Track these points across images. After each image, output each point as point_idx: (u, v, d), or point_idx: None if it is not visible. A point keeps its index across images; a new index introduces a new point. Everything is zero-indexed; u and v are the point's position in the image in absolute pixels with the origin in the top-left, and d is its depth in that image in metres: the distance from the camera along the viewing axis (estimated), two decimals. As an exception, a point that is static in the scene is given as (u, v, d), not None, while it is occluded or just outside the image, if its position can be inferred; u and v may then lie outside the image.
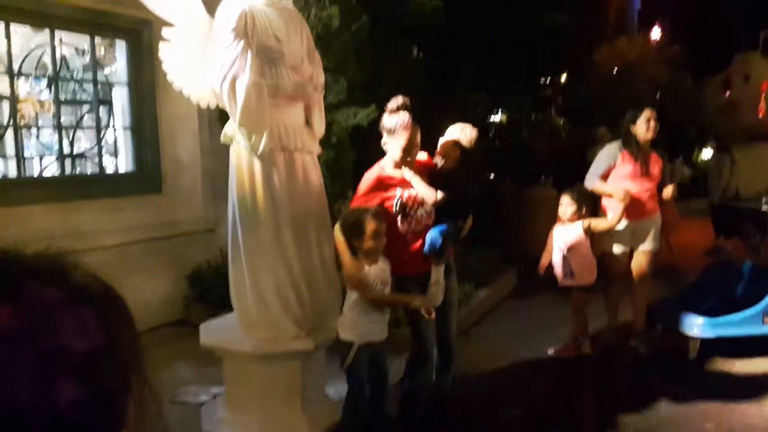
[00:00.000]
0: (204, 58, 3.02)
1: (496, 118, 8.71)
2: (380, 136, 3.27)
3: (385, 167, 3.24)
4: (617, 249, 4.44)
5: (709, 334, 4.25)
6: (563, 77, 13.57)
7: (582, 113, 11.12)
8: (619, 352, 4.56)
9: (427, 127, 5.95)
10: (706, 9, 18.89)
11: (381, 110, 4.71)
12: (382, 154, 5.12)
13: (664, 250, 4.72)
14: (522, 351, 4.52)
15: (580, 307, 4.46)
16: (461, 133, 3.42)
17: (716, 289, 4.85)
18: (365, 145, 5.25)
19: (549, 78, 11.78)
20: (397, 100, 3.15)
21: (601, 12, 17.61)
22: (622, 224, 4.33)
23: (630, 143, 4.37)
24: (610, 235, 4.40)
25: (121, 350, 0.56)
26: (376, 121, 4.69)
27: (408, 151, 3.13)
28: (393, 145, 3.14)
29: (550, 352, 4.48)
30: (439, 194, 3.13)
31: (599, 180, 4.41)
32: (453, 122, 3.55)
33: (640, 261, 4.48)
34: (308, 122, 3.26)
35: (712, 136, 8.73)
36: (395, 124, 3.11)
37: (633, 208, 4.29)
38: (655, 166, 4.38)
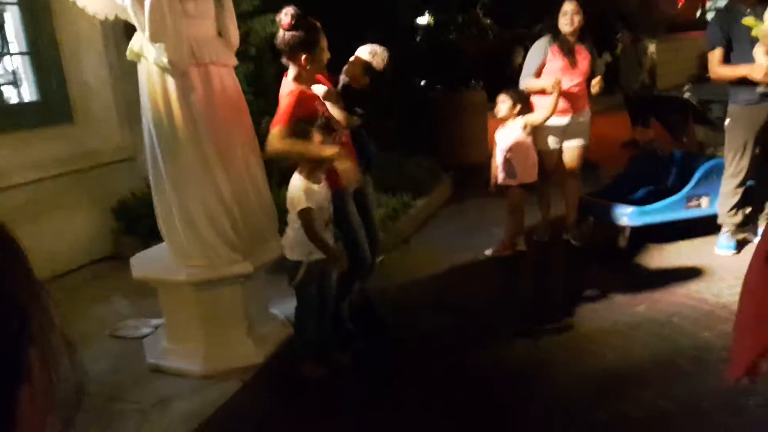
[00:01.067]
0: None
1: (423, 20, 8.45)
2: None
3: (297, 81, 3.03)
4: (550, 145, 4.48)
5: (637, 221, 4.43)
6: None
7: (509, 12, 10.95)
8: (552, 245, 4.71)
9: (349, 35, 5.72)
10: None
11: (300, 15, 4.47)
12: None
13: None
14: (460, 254, 4.60)
15: (518, 206, 4.52)
16: (372, 56, 3.25)
17: (642, 179, 5.02)
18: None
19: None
20: (289, 12, 2.89)
21: None
22: (556, 120, 4.34)
23: (557, 38, 4.33)
24: (542, 132, 4.43)
25: (11, 292, 0.47)
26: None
27: (317, 63, 2.97)
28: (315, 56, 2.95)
29: (488, 252, 4.57)
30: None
31: (532, 78, 4.38)
32: (378, 27, 3.38)
33: (571, 156, 4.55)
34: (220, 34, 3.03)
35: (624, 28, 8.73)
36: (279, 40, 2.91)
37: (564, 104, 4.31)
38: (584, 61, 4.37)
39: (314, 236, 2.79)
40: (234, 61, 3.08)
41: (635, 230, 4.46)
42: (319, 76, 3.16)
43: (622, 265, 4.30)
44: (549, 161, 4.53)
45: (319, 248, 2.82)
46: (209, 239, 3.00)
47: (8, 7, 4.62)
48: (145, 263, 3.20)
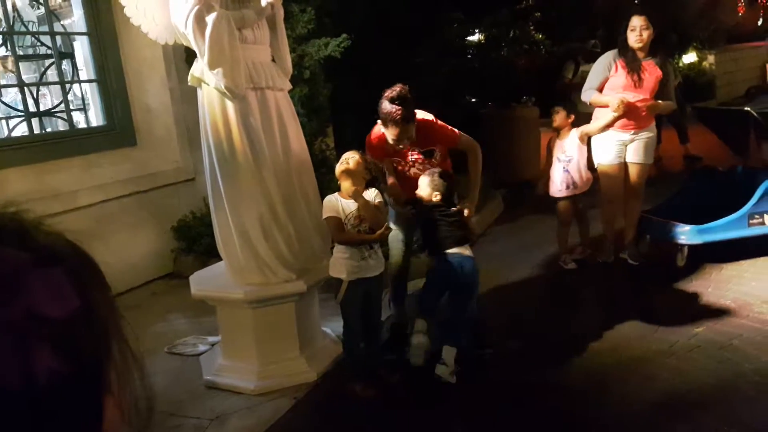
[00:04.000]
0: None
1: (474, 37, 8.46)
2: (357, 68, 3.20)
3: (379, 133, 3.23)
4: (610, 160, 4.39)
5: (696, 240, 4.29)
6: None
7: (561, 27, 10.84)
8: (610, 263, 4.61)
9: (403, 51, 5.79)
10: None
11: (354, 39, 4.57)
12: (360, 87, 5.01)
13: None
14: (514, 272, 4.56)
15: (567, 219, 4.54)
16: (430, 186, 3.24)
17: (702, 195, 4.86)
18: (340, 78, 5.10)
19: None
20: (394, 90, 3.03)
21: None
22: (616, 135, 4.28)
23: (624, 52, 4.20)
24: (602, 145, 4.36)
25: (98, 312, 0.51)
26: (349, 51, 4.56)
27: (398, 141, 3.12)
28: (388, 132, 3.09)
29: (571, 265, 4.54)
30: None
31: (595, 92, 4.31)
32: (431, 46, 3.40)
33: (632, 174, 4.43)
34: (274, 60, 3.14)
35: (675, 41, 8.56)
36: (385, 114, 3.04)
37: (626, 120, 4.22)
38: (651, 78, 4.18)
39: (337, 239, 2.92)
40: (288, 86, 3.18)
41: (694, 249, 4.32)
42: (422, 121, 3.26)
43: (680, 284, 4.17)
44: (608, 177, 4.44)
45: (353, 244, 2.88)
46: (265, 257, 3.08)
47: (78, 37, 4.90)
48: (204, 281, 3.30)
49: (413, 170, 3.38)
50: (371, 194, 2.97)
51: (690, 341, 3.32)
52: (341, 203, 2.91)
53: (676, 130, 7.87)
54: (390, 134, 3.10)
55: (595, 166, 4.50)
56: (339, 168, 2.92)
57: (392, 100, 3.01)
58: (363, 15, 5.46)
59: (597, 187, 4.52)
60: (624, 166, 4.41)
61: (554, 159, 4.49)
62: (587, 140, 4.42)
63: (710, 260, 4.37)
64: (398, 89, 3.03)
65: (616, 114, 4.13)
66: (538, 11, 11.12)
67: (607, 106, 4.21)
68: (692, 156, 7.79)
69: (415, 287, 3.71)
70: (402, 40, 6.09)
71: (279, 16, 3.06)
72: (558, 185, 4.47)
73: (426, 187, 3.17)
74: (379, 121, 3.17)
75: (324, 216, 2.93)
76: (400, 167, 3.38)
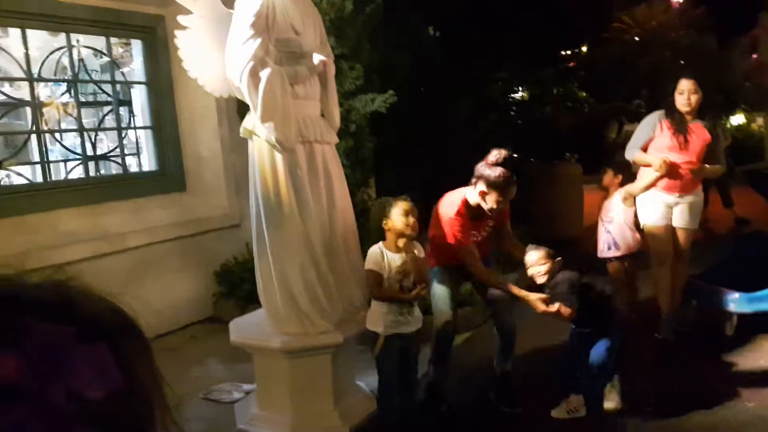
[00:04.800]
0: (220, 47, 2.99)
1: (518, 94, 8.56)
2: (400, 123, 3.28)
3: (468, 201, 3.26)
4: (654, 222, 4.31)
5: (746, 309, 4.13)
6: (584, 48, 13.30)
7: (605, 85, 10.90)
8: (655, 328, 4.47)
9: (445, 107, 5.89)
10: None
11: (399, 96, 4.68)
12: (402, 140, 5.08)
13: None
14: (557, 333, 4.45)
15: (619, 279, 4.44)
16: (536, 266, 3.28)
17: (753, 261, 4.71)
18: (385, 132, 5.21)
19: (570, 50, 11.56)
20: (501, 153, 3.13)
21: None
22: (661, 196, 4.22)
23: (670, 113, 4.16)
24: (647, 206, 4.30)
25: (141, 387, 0.51)
26: (394, 106, 4.66)
27: (503, 204, 3.19)
28: (490, 197, 3.15)
29: None
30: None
31: (639, 151, 4.27)
32: (474, 102, 3.46)
33: (678, 238, 4.34)
34: (323, 115, 3.23)
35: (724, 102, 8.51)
36: (499, 177, 3.10)
37: (671, 181, 4.16)
38: (698, 141, 4.11)
39: (374, 294, 2.90)
40: (335, 140, 3.26)
41: (743, 318, 4.16)
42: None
43: (729, 355, 4.00)
44: (655, 240, 4.35)
45: (387, 300, 2.87)
46: (304, 307, 3.10)
47: (137, 85, 5.14)
48: (243, 328, 3.33)
49: (478, 240, 3.39)
50: (417, 248, 2.98)
51: (740, 416, 3.16)
52: (386, 256, 2.91)
53: (720, 194, 7.71)
54: (492, 199, 3.14)
55: (641, 227, 4.43)
56: (398, 224, 2.90)
57: (499, 164, 3.09)
58: (408, 71, 5.61)
59: (646, 248, 4.43)
60: (671, 227, 4.33)
61: (599, 219, 4.46)
62: (632, 200, 4.37)
63: (762, 330, 4.20)
64: (504, 153, 3.13)
65: (658, 174, 4.08)
66: (581, 70, 11.23)
67: (650, 165, 4.17)
68: (741, 219, 7.61)
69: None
70: (445, 96, 6.21)
71: (330, 73, 3.16)
72: (600, 246, 4.42)
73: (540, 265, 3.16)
74: (459, 192, 3.24)
75: (366, 267, 2.94)
76: (474, 238, 3.37)
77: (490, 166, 3.13)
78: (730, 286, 4.25)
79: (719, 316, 4.27)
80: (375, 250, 2.94)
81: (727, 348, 4.07)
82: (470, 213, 3.27)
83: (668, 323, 4.38)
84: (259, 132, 2.96)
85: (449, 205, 3.29)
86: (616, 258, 4.39)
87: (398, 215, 2.89)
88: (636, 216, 4.42)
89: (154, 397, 0.52)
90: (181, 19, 2.95)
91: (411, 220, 2.88)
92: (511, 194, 3.19)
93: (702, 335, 4.33)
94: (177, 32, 2.98)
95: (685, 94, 4.09)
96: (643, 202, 4.35)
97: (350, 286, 3.26)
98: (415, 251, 2.97)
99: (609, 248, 4.38)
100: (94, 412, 0.45)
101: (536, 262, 3.18)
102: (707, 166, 4.18)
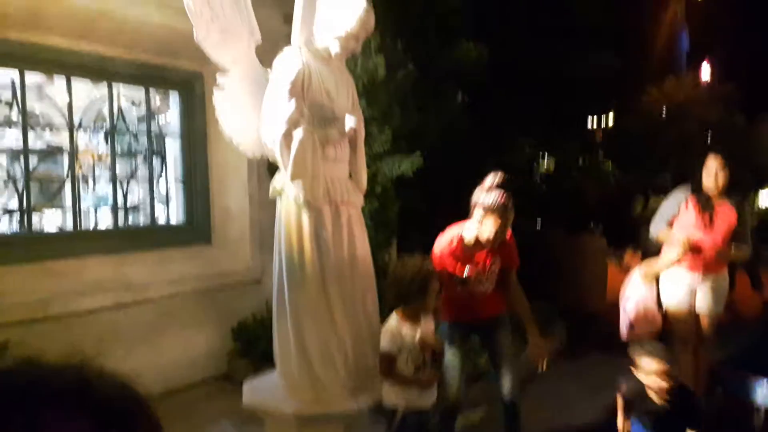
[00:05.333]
0: (255, 108, 3.06)
1: (543, 163, 8.59)
2: (426, 186, 3.28)
3: (464, 237, 3.20)
4: (677, 302, 4.21)
5: (779, 397, 3.97)
6: (610, 119, 13.39)
7: (631, 157, 10.90)
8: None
9: (472, 173, 5.91)
10: (755, 46, 18.51)
11: (426, 159, 4.73)
12: (426, 202, 5.09)
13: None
14: (579, 413, 4.31)
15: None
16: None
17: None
18: (410, 195, 5.23)
19: (596, 120, 11.64)
20: (497, 176, 3.12)
21: (649, 52, 17.41)
22: (684, 276, 4.13)
23: (697, 191, 4.12)
24: (670, 286, 4.21)
25: None
26: (421, 170, 4.70)
27: (501, 232, 3.11)
28: (487, 223, 3.09)
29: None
30: None
31: (664, 227, 4.22)
32: (498, 168, 3.43)
33: (702, 321, 4.23)
34: (351, 177, 3.27)
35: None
36: (495, 201, 3.06)
37: (695, 261, 4.09)
38: (724, 220, 4.05)
39: (385, 376, 2.77)
40: (361, 202, 3.27)
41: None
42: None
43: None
44: (678, 322, 4.24)
45: (399, 385, 2.79)
46: (320, 373, 3.04)
47: (171, 139, 5.28)
48: (256, 391, 3.27)
49: (484, 286, 3.27)
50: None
51: None
52: (402, 331, 2.85)
53: (749, 275, 7.56)
54: (490, 225, 3.05)
55: (663, 307, 4.32)
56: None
57: (495, 187, 3.03)
58: (436, 135, 5.67)
59: (666, 329, 4.31)
60: (694, 309, 4.21)
61: (620, 300, 4.36)
62: (652, 278, 4.27)
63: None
64: (501, 175, 3.06)
65: (681, 252, 4.01)
66: (608, 141, 11.28)
67: (672, 243, 4.11)
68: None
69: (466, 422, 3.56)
70: (471, 161, 6.25)
71: (360, 136, 3.21)
72: (621, 327, 4.31)
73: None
74: (457, 226, 3.17)
75: (380, 345, 2.87)
76: (473, 277, 3.25)
77: (487, 190, 3.06)
78: (759, 373, 4.10)
79: (747, 406, 4.09)
80: (391, 326, 2.87)
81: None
82: (466, 249, 3.17)
83: None
84: (287, 191, 2.99)
85: (444, 238, 3.21)
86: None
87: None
88: (658, 295, 4.33)
89: None
90: (220, 79, 3.04)
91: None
92: (510, 220, 3.08)
93: (728, 426, 4.14)
94: (215, 91, 3.06)
95: (713, 171, 4.05)
96: (666, 282, 4.25)
97: (367, 353, 3.20)
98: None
99: (627, 329, 4.25)
100: None
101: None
102: (733, 248, 4.10)
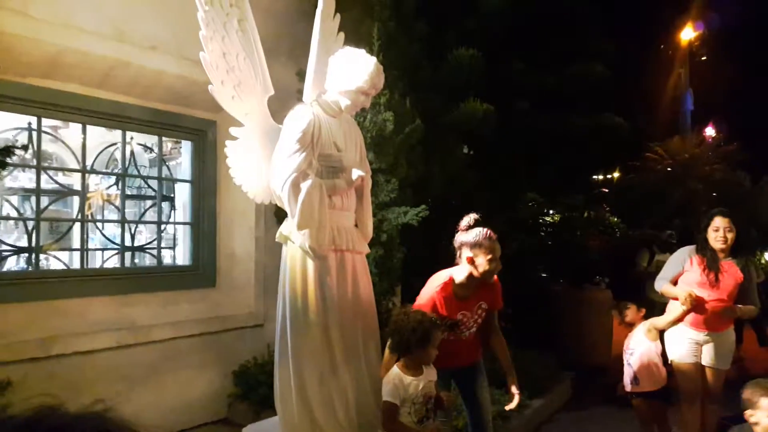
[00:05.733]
0: (265, 157, 3.15)
1: (548, 216, 8.64)
2: (430, 235, 3.34)
3: (455, 280, 3.25)
4: (684, 359, 4.17)
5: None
6: (615, 174, 13.50)
7: (636, 212, 10.95)
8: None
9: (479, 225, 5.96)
10: (760, 107, 18.78)
11: (431, 209, 4.80)
12: (430, 251, 5.13)
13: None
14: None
15: (645, 417, 4.24)
16: None
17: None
18: (414, 243, 5.28)
19: (601, 175, 11.74)
20: (471, 217, 3.24)
21: (654, 112, 17.69)
22: (690, 333, 4.11)
23: (702, 249, 4.12)
24: (676, 343, 4.19)
25: None
26: (426, 220, 4.76)
27: (495, 261, 3.17)
28: (480, 258, 3.16)
29: None
30: None
31: (668, 283, 4.23)
32: (504, 222, 3.49)
33: (709, 378, 4.19)
34: (357, 225, 3.32)
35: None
36: (479, 236, 3.16)
37: (700, 318, 4.08)
38: (729, 279, 4.04)
39: (388, 428, 2.74)
40: (366, 250, 3.32)
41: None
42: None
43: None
44: (684, 378, 4.19)
45: None
46: (319, 419, 3.02)
47: (181, 183, 5.37)
48: (256, 436, 3.25)
49: (471, 330, 3.30)
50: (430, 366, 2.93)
51: None
52: (404, 382, 2.84)
53: (755, 331, 7.49)
54: (482, 259, 3.12)
55: (669, 362, 4.29)
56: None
57: (474, 225, 3.15)
58: (441, 187, 5.76)
59: (673, 384, 4.28)
60: (700, 365, 4.18)
61: (624, 352, 4.36)
62: (656, 334, 4.26)
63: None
64: (473, 216, 3.19)
65: (684, 308, 4.01)
66: (613, 196, 11.35)
67: (677, 298, 4.10)
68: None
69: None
70: (476, 212, 6.32)
71: (367, 187, 3.28)
72: (624, 380, 4.29)
73: None
74: (445, 272, 3.21)
75: (383, 397, 2.85)
76: (464, 321, 3.28)
77: (465, 231, 3.16)
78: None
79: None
80: (392, 377, 2.86)
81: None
82: (457, 292, 3.21)
83: None
84: (294, 238, 3.05)
85: (432, 282, 3.25)
86: (638, 394, 4.23)
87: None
88: (663, 350, 4.31)
89: None
90: (233, 130, 3.14)
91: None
92: (498, 252, 3.15)
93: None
94: (227, 142, 3.16)
95: (721, 231, 4.06)
96: (672, 338, 4.24)
97: (368, 400, 3.18)
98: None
99: (631, 383, 4.24)
100: None
101: None
102: (740, 306, 4.09)
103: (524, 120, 6.53)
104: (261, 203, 4.48)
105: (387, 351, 3.02)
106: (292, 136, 2.95)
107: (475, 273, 3.17)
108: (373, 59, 3.03)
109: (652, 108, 17.67)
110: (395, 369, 2.88)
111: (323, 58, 3.18)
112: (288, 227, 3.09)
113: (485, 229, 3.18)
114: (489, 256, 3.13)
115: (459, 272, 3.25)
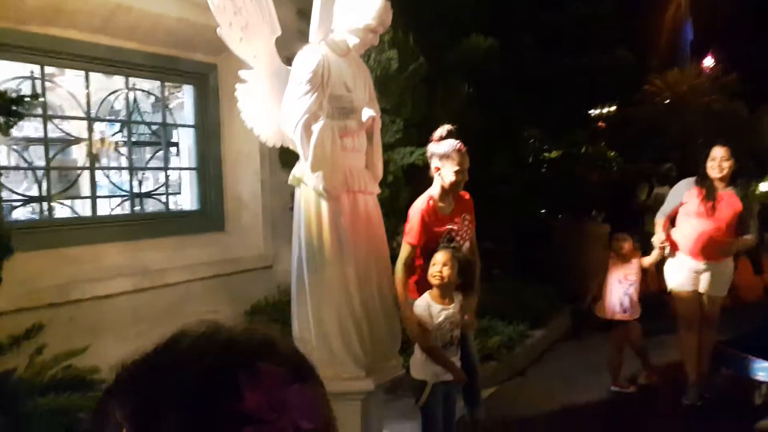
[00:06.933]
0: (276, 100, 3.16)
1: (550, 152, 8.69)
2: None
3: (433, 196, 3.37)
4: (683, 287, 4.34)
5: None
6: (613, 108, 13.43)
7: (634, 146, 10.98)
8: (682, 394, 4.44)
9: (480, 163, 6.03)
10: (760, 38, 18.50)
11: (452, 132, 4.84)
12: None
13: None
14: (581, 393, 4.45)
15: (620, 344, 4.61)
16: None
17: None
18: (420, 184, 5.34)
19: (600, 110, 11.69)
20: (444, 128, 3.37)
21: (653, 44, 17.41)
22: (689, 262, 4.26)
23: (701, 180, 4.24)
24: (676, 272, 4.35)
25: (332, 428, 0.61)
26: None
27: (461, 173, 3.31)
28: (446, 168, 3.28)
29: (613, 388, 4.48)
30: None
31: (662, 220, 4.36)
32: (507, 159, 3.53)
33: (706, 304, 4.36)
34: (367, 166, 3.38)
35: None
36: (449, 147, 3.30)
37: (698, 248, 4.21)
38: (727, 208, 4.15)
39: (433, 356, 2.90)
40: (377, 190, 3.39)
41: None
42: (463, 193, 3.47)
43: (757, 423, 3.95)
44: (682, 306, 4.37)
45: (444, 367, 2.92)
46: (338, 351, 3.17)
47: (184, 128, 5.37)
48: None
49: (466, 244, 3.44)
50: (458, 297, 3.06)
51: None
52: (431, 309, 2.99)
53: (751, 260, 7.66)
54: (449, 171, 3.29)
55: (668, 290, 4.46)
56: (433, 279, 2.99)
57: (444, 138, 3.31)
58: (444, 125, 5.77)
59: (671, 312, 4.46)
60: (698, 293, 4.34)
61: (614, 282, 4.52)
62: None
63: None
64: (447, 127, 3.36)
65: (655, 255, 4.29)
66: (611, 130, 11.34)
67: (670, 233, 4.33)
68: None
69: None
70: (479, 151, 6.35)
71: (377, 127, 3.32)
72: (615, 307, 4.50)
73: None
74: (419, 199, 3.34)
75: (415, 321, 3.00)
76: (458, 237, 3.42)
77: (438, 141, 3.32)
78: (760, 354, 4.23)
79: (748, 385, 4.23)
80: (421, 304, 3.02)
81: (756, 417, 4.02)
82: (439, 206, 3.38)
83: (695, 389, 4.35)
84: (307, 180, 3.10)
85: (415, 205, 3.43)
86: (624, 321, 4.51)
87: (431, 265, 3.02)
88: (658, 281, 4.55)
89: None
90: (242, 73, 3.14)
91: (442, 270, 2.99)
92: (465, 163, 3.31)
93: (730, 403, 4.28)
94: (237, 85, 3.16)
95: (717, 161, 4.15)
96: (671, 267, 4.39)
97: (383, 334, 3.32)
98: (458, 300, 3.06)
99: (624, 311, 4.49)
100: None
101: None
102: (735, 241, 4.21)
103: (527, 56, 6.48)
104: (265, 145, 4.53)
105: (399, 269, 3.13)
106: (302, 78, 2.97)
107: (443, 183, 3.31)
108: None
109: (652, 39, 17.38)
110: (427, 297, 3.03)
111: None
112: (300, 170, 3.14)
113: (456, 142, 3.31)
114: (456, 168, 3.29)
115: (434, 187, 3.42)
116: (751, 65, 16.28)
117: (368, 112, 3.09)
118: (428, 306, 3.00)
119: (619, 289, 4.51)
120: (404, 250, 3.27)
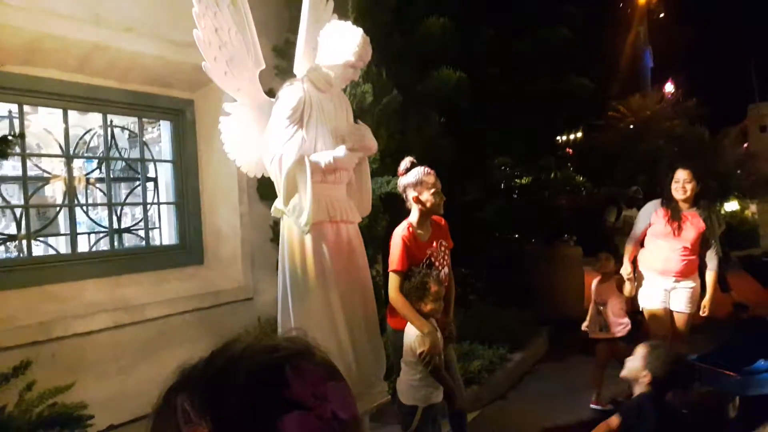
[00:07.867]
0: (258, 132, 3.25)
1: (520, 179, 8.91)
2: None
3: (412, 223, 3.48)
4: (653, 305, 4.51)
5: (748, 391, 4.24)
6: (579, 135, 13.84)
7: (601, 170, 11.33)
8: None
9: (453, 190, 6.18)
10: (718, 63, 19.30)
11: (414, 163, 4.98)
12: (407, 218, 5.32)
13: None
14: (562, 414, 4.54)
15: (603, 362, 4.66)
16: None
17: (752, 344, 4.84)
18: (396, 212, 5.46)
19: (565, 136, 12.06)
20: (407, 160, 3.49)
21: (614, 70, 17.98)
22: (659, 280, 4.43)
23: (667, 202, 4.43)
24: (646, 290, 4.51)
25: (360, 422, 0.74)
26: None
27: (438, 194, 3.43)
28: (424, 194, 3.40)
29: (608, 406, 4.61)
30: None
31: (633, 243, 4.56)
32: (480, 186, 3.63)
33: (677, 321, 4.54)
34: (349, 195, 3.48)
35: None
36: (419, 174, 3.41)
37: (665, 267, 4.39)
38: (692, 229, 4.35)
39: (439, 377, 2.97)
40: (359, 219, 3.49)
41: (746, 400, 4.26)
42: (435, 218, 3.58)
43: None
44: (654, 323, 4.53)
45: (445, 387, 3.00)
46: (323, 380, 3.22)
47: (164, 163, 5.42)
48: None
49: (444, 270, 3.51)
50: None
51: (746, 497, 3.22)
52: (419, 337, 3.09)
53: (717, 278, 7.86)
54: (426, 195, 3.37)
55: (641, 309, 4.63)
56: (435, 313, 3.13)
57: (411, 166, 3.43)
58: (418, 156, 5.93)
59: (644, 330, 4.61)
60: (669, 311, 4.51)
61: (597, 300, 4.70)
62: (627, 286, 4.63)
63: (765, 412, 4.28)
64: (409, 159, 3.48)
65: (627, 285, 4.49)
66: (578, 156, 11.69)
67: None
68: (739, 304, 7.74)
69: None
70: (453, 179, 6.52)
71: (364, 161, 3.44)
72: (599, 326, 4.67)
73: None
74: (398, 228, 3.45)
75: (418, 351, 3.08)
76: (437, 263, 3.51)
77: (405, 174, 3.43)
78: (731, 368, 4.37)
79: (721, 399, 4.36)
80: (413, 331, 3.15)
81: (731, 430, 4.15)
82: (418, 233, 3.45)
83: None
84: (288, 212, 3.19)
85: (396, 233, 3.48)
86: (606, 339, 4.66)
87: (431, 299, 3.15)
88: (632, 300, 4.69)
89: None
90: (226, 105, 3.23)
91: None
92: (438, 185, 3.42)
93: (704, 417, 4.41)
94: (221, 118, 3.25)
95: (681, 183, 4.36)
96: (643, 288, 4.56)
97: (368, 361, 3.39)
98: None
99: (600, 329, 4.67)
100: (343, 429, 0.67)
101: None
102: (712, 292, 4.52)
103: (494, 86, 6.70)
104: (243, 179, 4.59)
105: (397, 299, 3.21)
106: (283, 113, 3.08)
107: (424, 209, 3.42)
108: (360, 31, 3.13)
109: (613, 66, 18.00)
110: (411, 326, 3.12)
111: (313, 29, 3.27)
112: (281, 202, 3.22)
113: (423, 167, 3.43)
114: (432, 190, 3.40)
115: (412, 215, 3.50)
116: (710, 90, 16.95)
117: (342, 149, 3.15)
118: (418, 334, 3.09)
119: (594, 308, 4.69)
120: (393, 280, 3.32)
